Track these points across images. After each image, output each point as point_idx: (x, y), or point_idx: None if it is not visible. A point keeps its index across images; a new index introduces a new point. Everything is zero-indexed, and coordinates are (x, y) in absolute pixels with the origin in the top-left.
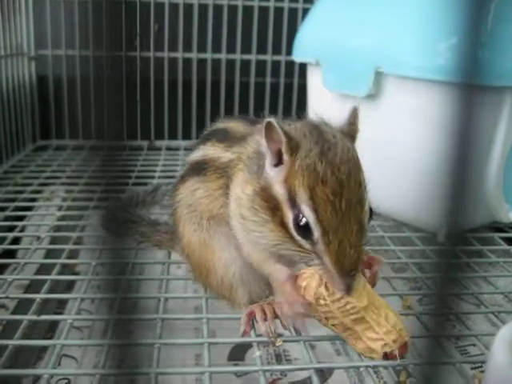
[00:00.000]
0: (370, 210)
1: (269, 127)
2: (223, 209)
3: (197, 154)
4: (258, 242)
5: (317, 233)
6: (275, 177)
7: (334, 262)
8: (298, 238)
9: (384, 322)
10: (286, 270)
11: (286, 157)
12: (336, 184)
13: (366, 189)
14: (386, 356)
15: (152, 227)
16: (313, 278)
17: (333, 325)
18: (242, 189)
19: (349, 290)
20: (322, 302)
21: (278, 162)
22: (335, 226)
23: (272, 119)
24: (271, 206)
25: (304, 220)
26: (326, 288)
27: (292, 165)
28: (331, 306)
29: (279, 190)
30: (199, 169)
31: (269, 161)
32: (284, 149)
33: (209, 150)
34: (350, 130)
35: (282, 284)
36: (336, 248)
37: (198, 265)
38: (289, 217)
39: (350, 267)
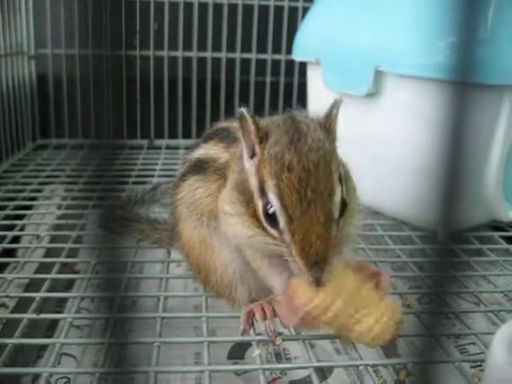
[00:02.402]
0: (344, 201)
1: (242, 118)
2: None
3: (198, 153)
4: (236, 236)
5: (282, 220)
6: (250, 168)
7: (300, 251)
8: (267, 226)
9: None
10: (281, 280)
11: (256, 146)
12: (302, 172)
13: (341, 180)
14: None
15: (151, 225)
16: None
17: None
18: (226, 186)
19: (318, 283)
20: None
21: (253, 153)
22: (300, 214)
23: (244, 110)
24: (246, 198)
25: (271, 209)
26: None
27: (262, 154)
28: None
29: (252, 181)
30: (200, 167)
31: (245, 153)
32: (253, 137)
33: (210, 150)
34: (326, 122)
35: (279, 293)
36: (301, 237)
37: (198, 263)
38: (259, 206)
39: (316, 258)
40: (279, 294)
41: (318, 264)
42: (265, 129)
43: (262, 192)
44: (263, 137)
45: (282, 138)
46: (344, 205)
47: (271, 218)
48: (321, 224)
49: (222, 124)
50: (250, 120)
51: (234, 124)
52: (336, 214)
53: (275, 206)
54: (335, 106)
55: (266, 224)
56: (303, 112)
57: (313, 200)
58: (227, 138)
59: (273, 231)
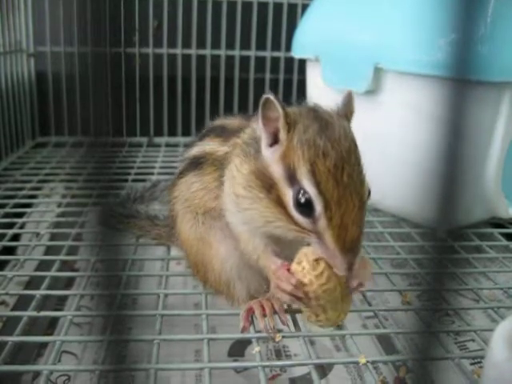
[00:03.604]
0: (368, 188)
1: (266, 103)
2: (217, 201)
3: (194, 150)
4: (251, 220)
5: (319, 207)
6: (271, 156)
7: (336, 237)
8: (298, 216)
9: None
10: (281, 260)
11: (283, 133)
12: (337, 158)
13: (363, 168)
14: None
15: (150, 221)
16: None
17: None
18: (237, 168)
19: (350, 268)
20: (306, 277)
21: (274, 141)
22: (337, 199)
23: (270, 95)
24: (266, 185)
25: (305, 196)
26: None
27: (290, 141)
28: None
29: (276, 169)
30: (196, 163)
31: (264, 141)
32: (281, 124)
33: (206, 146)
34: (346, 112)
35: (276, 270)
36: (338, 223)
37: (196, 261)
38: (287, 194)
39: (351, 244)
40: (278, 269)
41: (351, 250)
42: (292, 115)
43: (292, 179)
44: (291, 123)
45: (311, 125)
46: (368, 192)
47: (304, 206)
48: (356, 209)
49: (216, 122)
50: (278, 105)
51: (226, 121)
52: (366, 202)
53: (311, 192)
54: (350, 96)
55: (295, 213)
56: (318, 104)
57: (348, 185)
58: (222, 133)
59: (303, 220)
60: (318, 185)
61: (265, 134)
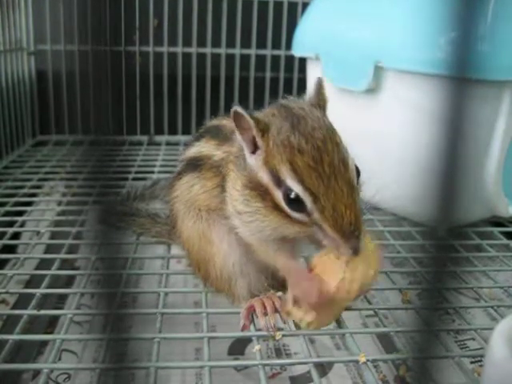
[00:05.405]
0: (356, 168)
1: (236, 116)
2: (221, 205)
3: (192, 151)
4: (258, 231)
5: (308, 202)
6: (255, 163)
7: (333, 226)
8: (293, 213)
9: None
10: (298, 263)
11: (258, 140)
12: (313, 150)
13: (347, 150)
14: None
15: (151, 219)
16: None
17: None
18: (232, 185)
19: (356, 251)
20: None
21: (255, 148)
22: (324, 190)
23: (237, 107)
24: (260, 192)
25: (293, 193)
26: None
27: (267, 145)
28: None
29: (263, 175)
30: (194, 165)
31: (246, 150)
32: (255, 132)
33: (203, 147)
34: (319, 100)
35: (298, 275)
36: (331, 212)
37: (197, 259)
38: (278, 196)
39: (349, 228)
40: (300, 278)
41: (352, 233)
42: (263, 120)
43: (278, 182)
44: (264, 129)
45: (283, 125)
46: (358, 171)
47: (295, 203)
48: (346, 195)
49: (213, 122)
50: (246, 116)
51: (223, 122)
52: (355, 182)
53: (297, 189)
54: (320, 84)
55: (290, 211)
56: (290, 98)
57: (332, 174)
58: (218, 135)
59: (299, 215)
60: (301, 182)
61: (244, 143)
